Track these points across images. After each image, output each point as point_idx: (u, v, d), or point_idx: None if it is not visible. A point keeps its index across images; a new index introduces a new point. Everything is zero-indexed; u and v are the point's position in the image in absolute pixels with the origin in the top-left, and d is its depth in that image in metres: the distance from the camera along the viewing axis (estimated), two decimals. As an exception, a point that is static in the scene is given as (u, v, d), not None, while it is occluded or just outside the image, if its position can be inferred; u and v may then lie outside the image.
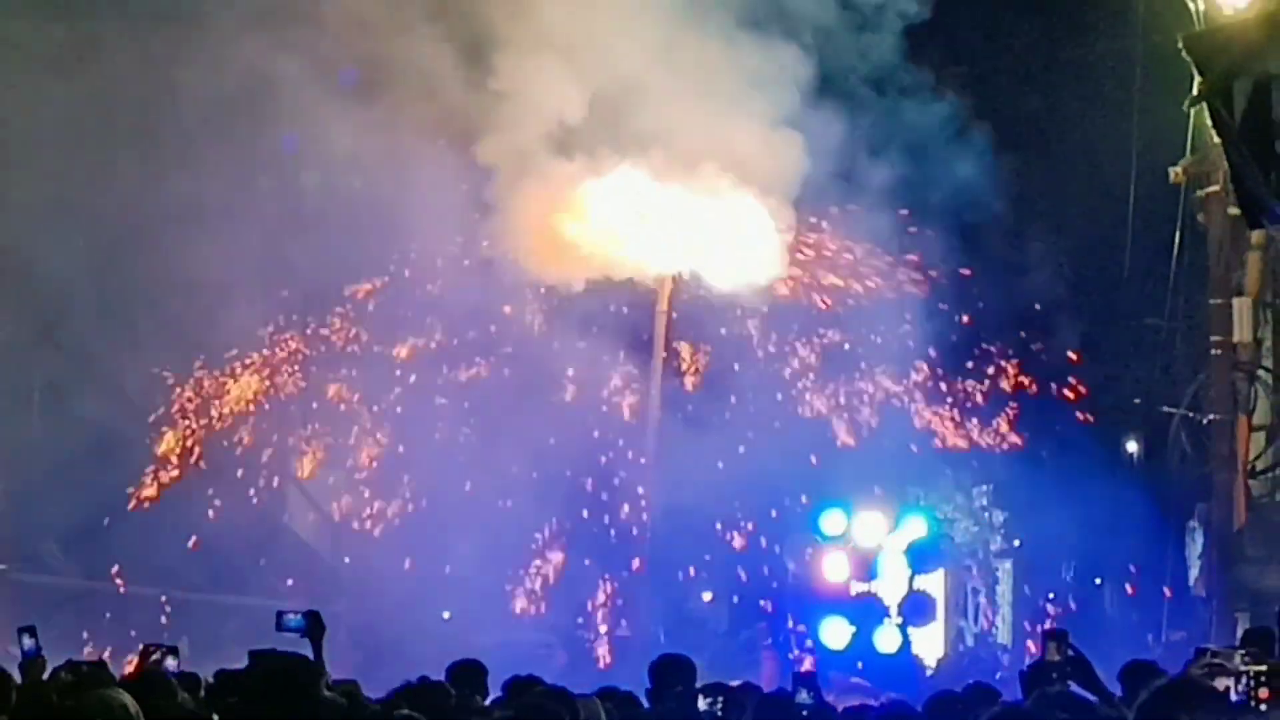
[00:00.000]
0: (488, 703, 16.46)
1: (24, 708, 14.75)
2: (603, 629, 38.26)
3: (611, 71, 40.84)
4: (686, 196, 40.21)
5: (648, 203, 40.16)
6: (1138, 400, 42.08)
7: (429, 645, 34.13)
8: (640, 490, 38.91)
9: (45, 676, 18.63)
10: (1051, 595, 40.24)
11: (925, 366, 39.96)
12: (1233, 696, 12.31)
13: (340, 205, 41.03)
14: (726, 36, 41.22)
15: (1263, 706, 12.36)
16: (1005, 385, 40.55)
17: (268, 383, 40.89)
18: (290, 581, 39.64)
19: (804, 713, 16.35)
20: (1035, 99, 44.76)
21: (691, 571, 38.65)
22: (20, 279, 43.27)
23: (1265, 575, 34.17)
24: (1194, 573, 38.87)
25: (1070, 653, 17.83)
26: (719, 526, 38.49)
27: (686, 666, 17.50)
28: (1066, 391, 40.48)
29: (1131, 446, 41.53)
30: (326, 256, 40.96)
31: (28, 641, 21.11)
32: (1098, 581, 42.78)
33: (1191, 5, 34.30)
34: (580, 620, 38.69)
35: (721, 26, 41.40)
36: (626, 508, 38.69)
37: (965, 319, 40.24)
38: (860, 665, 31.75)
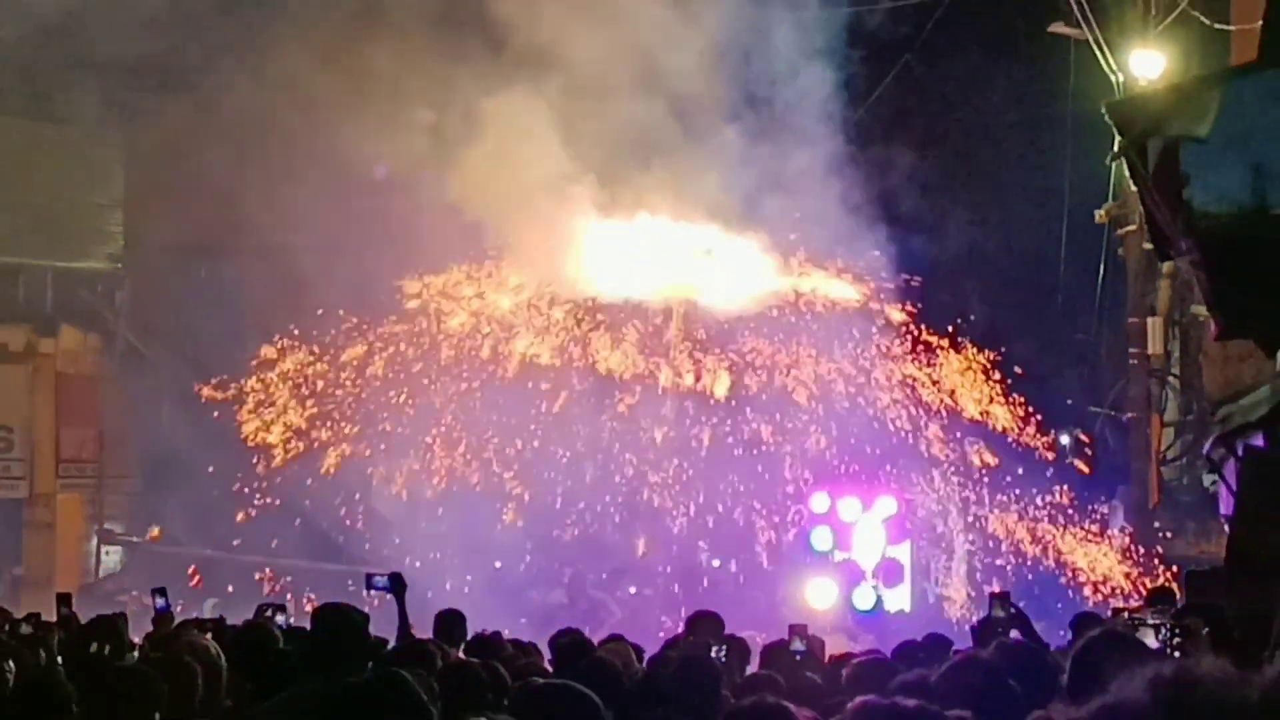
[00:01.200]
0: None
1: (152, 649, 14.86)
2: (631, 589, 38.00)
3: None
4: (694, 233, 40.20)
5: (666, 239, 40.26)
6: (1070, 401, 42.07)
7: (486, 602, 34.15)
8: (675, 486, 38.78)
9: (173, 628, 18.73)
10: (999, 563, 40.11)
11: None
12: (1152, 644, 12.30)
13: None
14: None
15: (1177, 654, 12.35)
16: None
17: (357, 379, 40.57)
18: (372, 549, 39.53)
19: (798, 657, 16.40)
20: (987, 154, 44.68)
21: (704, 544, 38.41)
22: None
23: (1173, 547, 34.22)
24: (1116, 529, 39.00)
25: (1012, 610, 17.90)
26: (732, 508, 38.31)
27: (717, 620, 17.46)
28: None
29: (1064, 439, 41.38)
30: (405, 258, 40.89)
31: (159, 600, 21.20)
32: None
33: (1112, 78, 34.24)
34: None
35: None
36: (660, 498, 38.51)
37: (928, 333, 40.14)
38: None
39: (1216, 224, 7.70)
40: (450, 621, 16.68)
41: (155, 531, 40.14)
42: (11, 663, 12.88)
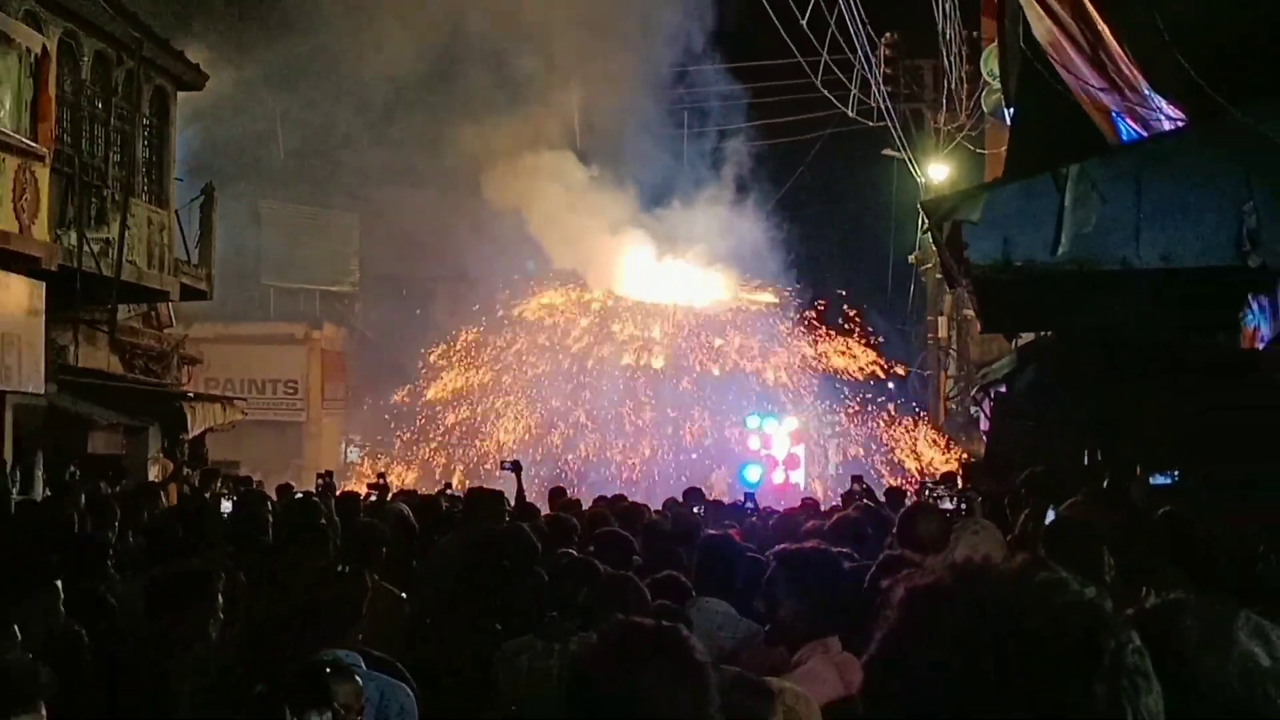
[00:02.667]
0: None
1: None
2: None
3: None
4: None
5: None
6: (895, 362, 41.91)
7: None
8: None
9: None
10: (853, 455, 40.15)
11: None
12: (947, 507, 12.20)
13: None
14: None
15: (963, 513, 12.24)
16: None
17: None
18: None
19: (749, 506, 16.24)
20: (849, 222, 44.58)
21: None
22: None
23: (954, 443, 34.22)
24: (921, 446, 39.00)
25: (865, 486, 17.78)
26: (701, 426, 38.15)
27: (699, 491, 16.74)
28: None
29: (890, 385, 41.47)
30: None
31: (381, 481, 21.16)
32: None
33: (918, 180, 34.05)
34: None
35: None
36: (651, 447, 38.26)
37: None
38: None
39: (981, 271, 7.52)
40: (553, 492, 16.74)
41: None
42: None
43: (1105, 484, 10.59)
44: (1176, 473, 10.00)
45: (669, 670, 2.80)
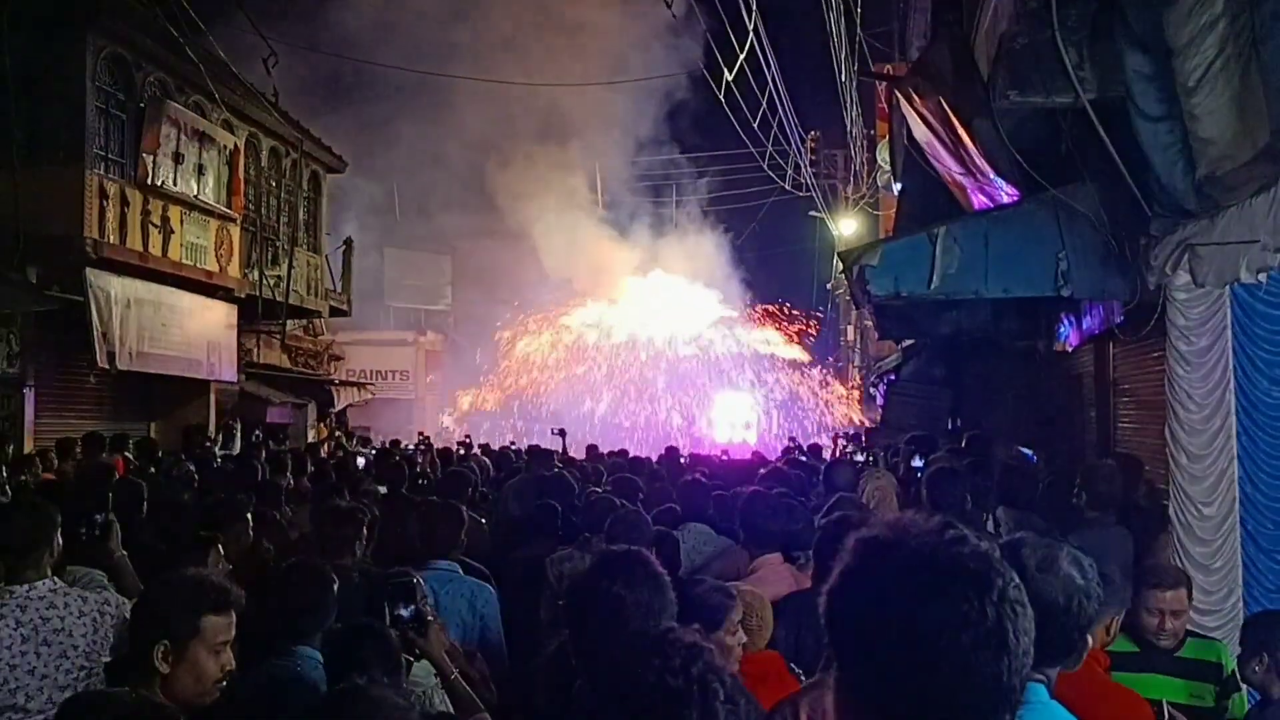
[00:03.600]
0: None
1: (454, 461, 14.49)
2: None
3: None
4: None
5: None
6: (815, 357, 41.52)
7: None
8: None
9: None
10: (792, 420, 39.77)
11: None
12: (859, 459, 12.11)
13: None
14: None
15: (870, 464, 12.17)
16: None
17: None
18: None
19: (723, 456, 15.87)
20: (786, 265, 44.27)
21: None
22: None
23: (859, 411, 34.05)
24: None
25: (797, 444, 17.58)
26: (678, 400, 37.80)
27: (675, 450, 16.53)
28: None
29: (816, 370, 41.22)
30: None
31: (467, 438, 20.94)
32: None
33: (835, 232, 33.92)
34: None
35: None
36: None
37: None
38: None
39: (879, 299, 7.50)
40: (589, 448, 16.52)
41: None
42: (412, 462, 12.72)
43: (963, 442, 10.58)
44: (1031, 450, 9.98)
45: (636, 578, 2.83)
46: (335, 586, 3.90)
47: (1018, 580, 1.43)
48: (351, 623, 3.67)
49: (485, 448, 18.31)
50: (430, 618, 3.95)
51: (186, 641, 3.10)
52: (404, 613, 3.89)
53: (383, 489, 8.91)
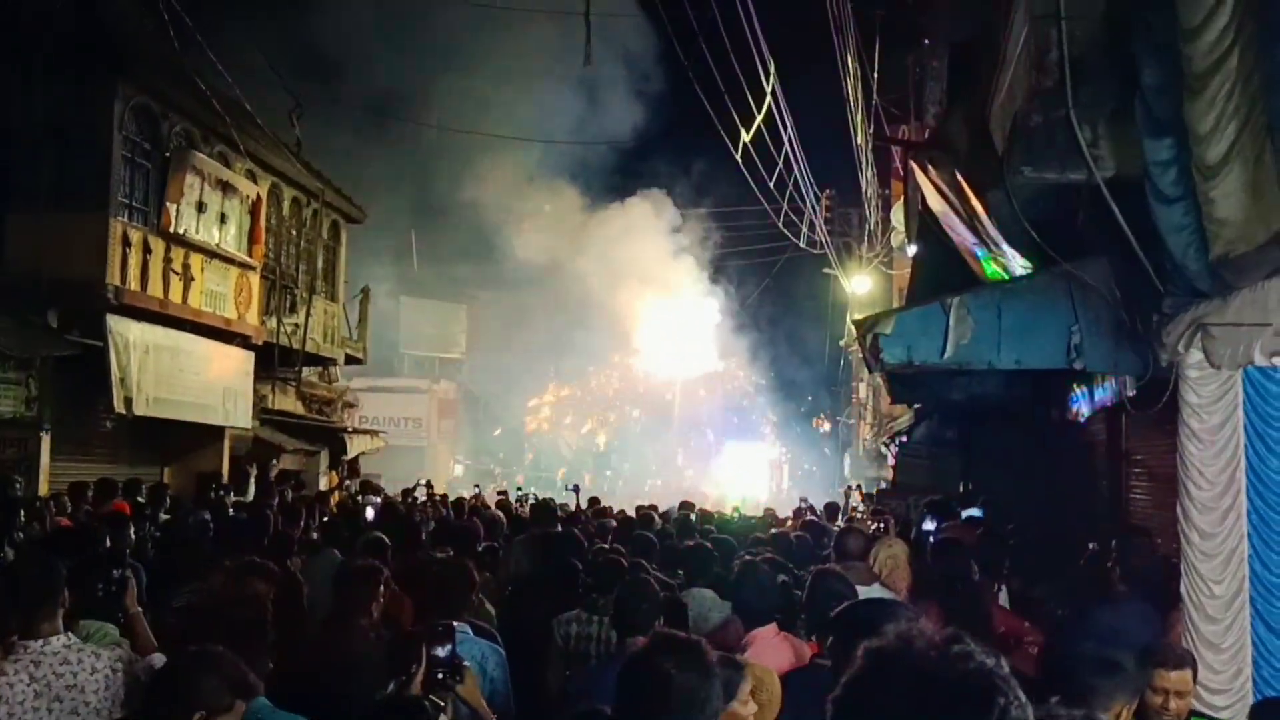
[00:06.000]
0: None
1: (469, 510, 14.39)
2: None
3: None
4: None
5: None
6: (827, 413, 41.49)
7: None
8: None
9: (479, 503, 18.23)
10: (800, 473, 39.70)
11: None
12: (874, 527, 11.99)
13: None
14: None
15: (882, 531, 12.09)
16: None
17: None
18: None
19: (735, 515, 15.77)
20: (795, 322, 44.30)
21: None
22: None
23: (868, 470, 33.83)
24: (846, 470, 38.49)
25: (808, 504, 17.44)
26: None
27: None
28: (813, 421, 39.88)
29: (825, 429, 41.07)
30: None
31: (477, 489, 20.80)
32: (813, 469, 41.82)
33: (847, 288, 33.99)
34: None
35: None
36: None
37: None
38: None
39: (891, 367, 7.52)
40: (591, 500, 16.47)
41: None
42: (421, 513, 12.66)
43: (978, 507, 10.56)
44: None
45: (692, 666, 2.84)
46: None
47: (1022, 699, 1.44)
48: (390, 699, 3.67)
49: (503, 499, 18.09)
50: (466, 663, 3.97)
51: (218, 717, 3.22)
52: (441, 653, 3.90)
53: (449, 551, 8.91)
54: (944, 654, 1.43)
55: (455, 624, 5.26)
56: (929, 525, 9.99)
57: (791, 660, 4.78)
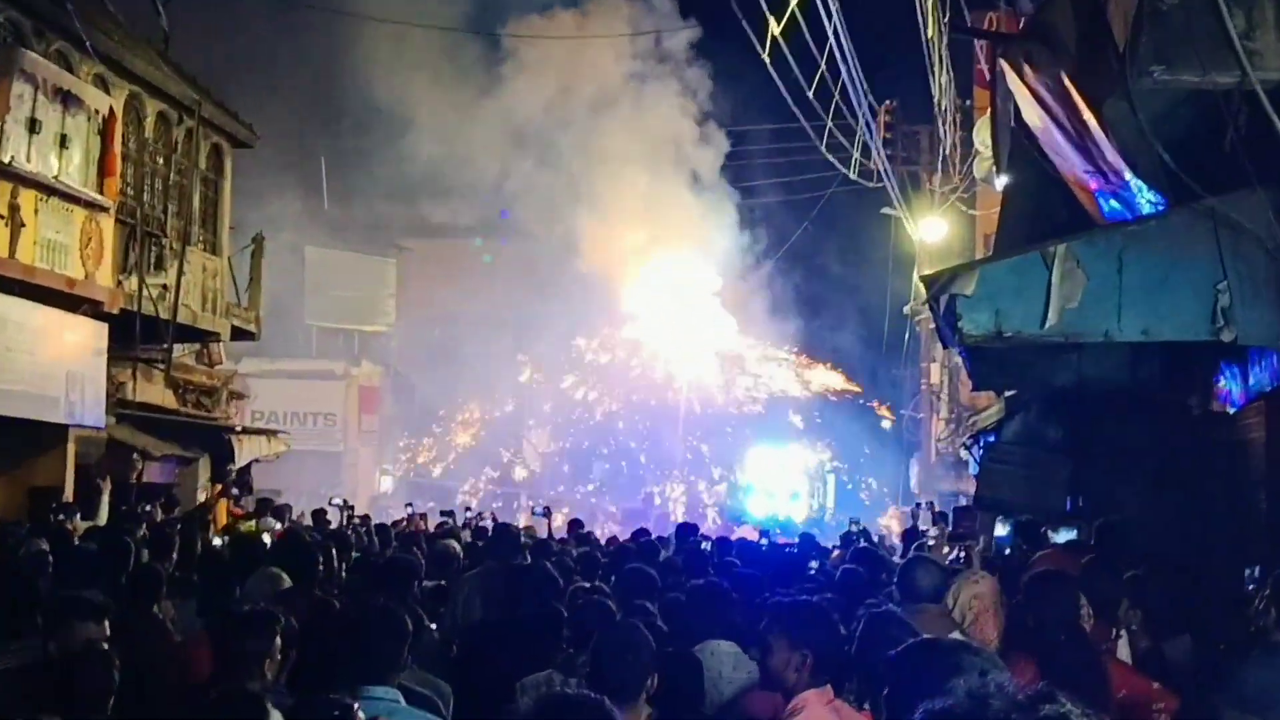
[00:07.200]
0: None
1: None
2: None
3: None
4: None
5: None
6: (888, 404, 41.86)
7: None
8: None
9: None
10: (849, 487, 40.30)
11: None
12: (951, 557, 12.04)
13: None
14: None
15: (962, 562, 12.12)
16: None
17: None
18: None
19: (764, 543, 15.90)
20: (853, 278, 44.48)
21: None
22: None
23: (941, 484, 34.02)
24: (913, 481, 38.74)
25: (861, 528, 17.59)
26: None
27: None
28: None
29: (886, 425, 41.39)
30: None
31: (410, 509, 20.96)
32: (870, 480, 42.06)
33: (914, 236, 34.05)
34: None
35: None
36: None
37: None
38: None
39: (974, 338, 7.56)
40: (572, 523, 16.79)
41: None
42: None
43: (1091, 535, 10.60)
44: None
45: None
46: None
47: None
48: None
49: (448, 523, 18.02)
50: None
51: None
52: None
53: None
54: (1029, 718, 1.43)
55: (384, 689, 5.32)
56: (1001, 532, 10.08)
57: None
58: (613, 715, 2.88)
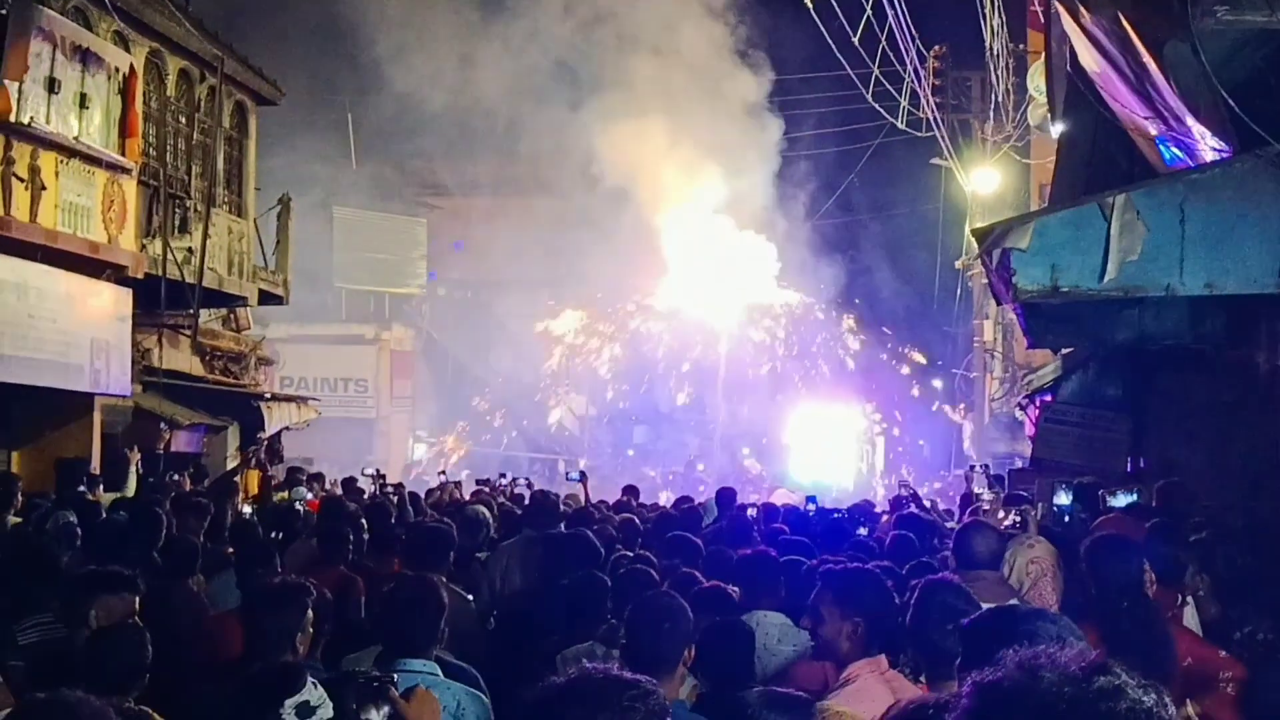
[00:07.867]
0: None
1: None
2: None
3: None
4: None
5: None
6: (939, 362, 41.74)
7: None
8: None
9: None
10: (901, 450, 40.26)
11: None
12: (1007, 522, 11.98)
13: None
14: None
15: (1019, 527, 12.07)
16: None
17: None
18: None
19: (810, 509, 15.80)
20: (898, 230, 44.22)
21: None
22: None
23: (996, 446, 33.88)
24: (966, 443, 38.65)
25: (911, 492, 17.56)
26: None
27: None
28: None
29: (937, 384, 41.23)
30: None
31: (443, 478, 21.05)
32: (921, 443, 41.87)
33: (967, 188, 33.88)
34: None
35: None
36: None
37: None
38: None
39: (1029, 294, 7.52)
40: (626, 489, 16.94)
41: (451, 440, 40.04)
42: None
43: (1152, 497, 10.56)
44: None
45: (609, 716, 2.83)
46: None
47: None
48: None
49: (484, 491, 18.03)
50: None
51: None
52: (375, 717, 3.97)
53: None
54: (1083, 690, 1.41)
55: (420, 662, 5.35)
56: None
57: (887, 705, 4.79)
58: (653, 694, 2.86)
